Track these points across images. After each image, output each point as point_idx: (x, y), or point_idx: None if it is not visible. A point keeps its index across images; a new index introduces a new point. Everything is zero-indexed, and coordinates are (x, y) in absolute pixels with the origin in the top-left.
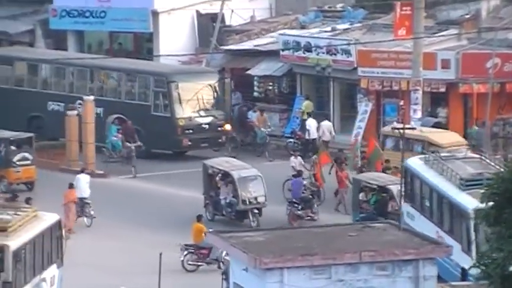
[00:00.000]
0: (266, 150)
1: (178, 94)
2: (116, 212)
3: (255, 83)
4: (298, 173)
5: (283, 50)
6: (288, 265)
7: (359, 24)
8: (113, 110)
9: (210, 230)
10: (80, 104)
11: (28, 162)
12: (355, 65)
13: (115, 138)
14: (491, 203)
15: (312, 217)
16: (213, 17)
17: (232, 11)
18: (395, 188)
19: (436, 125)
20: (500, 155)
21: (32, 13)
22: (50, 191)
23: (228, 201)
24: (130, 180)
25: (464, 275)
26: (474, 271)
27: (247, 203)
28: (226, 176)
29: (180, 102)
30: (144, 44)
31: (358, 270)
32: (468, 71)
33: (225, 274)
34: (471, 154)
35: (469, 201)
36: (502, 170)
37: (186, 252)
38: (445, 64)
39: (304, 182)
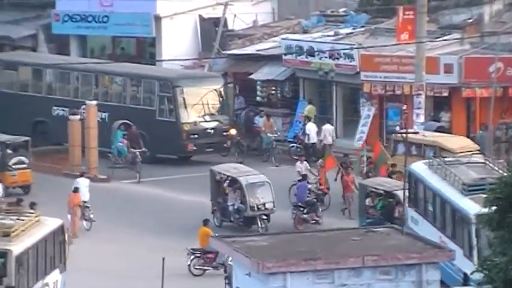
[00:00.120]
0: (272, 155)
1: (184, 99)
2: (119, 216)
3: (258, 87)
4: (303, 177)
5: (285, 55)
6: (291, 270)
7: (362, 29)
8: (118, 114)
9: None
10: (84, 109)
11: (24, 165)
12: (358, 70)
13: (121, 144)
14: (494, 208)
15: (317, 221)
16: (215, 22)
17: (235, 15)
18: (401, 193)
19: (439, 130)
20: (503, 159)
21: (35, 18)
22: (53, 196)
23: (236, 207)
24: (133, 185)
25: (466, 280)
26: (476, 276)
27: (256, 209)
28: (234, 182)
29: (185, 107)
30: (146, 49)
31: (361, 275)
32: (471, 75)
33: (228, 279)
34: (475, 159)
35: (471, 207)
36: (505, 174)
37: (192, 257)
38: (448, 68)
39: (309, 186)
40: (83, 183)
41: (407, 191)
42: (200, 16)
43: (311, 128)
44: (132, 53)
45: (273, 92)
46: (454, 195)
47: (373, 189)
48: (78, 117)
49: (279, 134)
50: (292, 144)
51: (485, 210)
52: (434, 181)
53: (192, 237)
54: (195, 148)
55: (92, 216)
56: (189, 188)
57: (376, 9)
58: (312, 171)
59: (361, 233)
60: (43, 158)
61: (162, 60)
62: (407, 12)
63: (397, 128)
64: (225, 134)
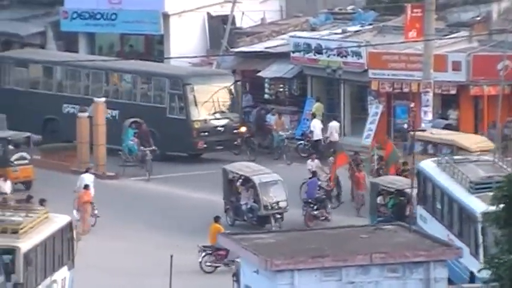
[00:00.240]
0: (284, 153)
1: (194, 96)
2: (128, 214)
3: (266, 85)
4: (313, 174)
5: (293, 52)
6: (298, 267)
7: (370, 26)
8: (128, 112)
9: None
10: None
11: (26, 161)
12: (366, 67)
13: (131, 142)
14: (501, 205)
15: (327, 217)
16: (223, 19)
17: (243, 13)
18: (412, 192)
19: (447, 127)
20: (510, 157)
21: (43, 15)
22: (56, 192)
23: (249, 206)
24: (142, 183)
25: (472, 278)
26: (483, 274)
27: (269, 208)
28: (247, 181)
29: (196, 105)
30: (155, 46)
31: (369, 272)
32: (479, 73)
33: (236, 276)
34: (484, 157)
35: (478, 205)
36: None
37: (204, 254)
38: (456, 66)
39: (319, 183)
40: (88, 179)
41: (416, 189)
42: (208, 14)
43: (316, 124)
44: (141, 50)
45: (281, 89)
46: (461, 193)
47: (385, 188)
48: (86, 114)
49: (290, 132)
50: (300, 142)
51: (492, 208)
52: (443, 179)
53: (201, 234)
54: (205, 146)
55: (96, 212)
56: (199, 186)
57: (384, 6)
58: (324, 169)
59: (369, 231)
60: (51, 155)
61: (170, 58)
62: (415, 10)
63: (405, 126)
64: (235, 131)
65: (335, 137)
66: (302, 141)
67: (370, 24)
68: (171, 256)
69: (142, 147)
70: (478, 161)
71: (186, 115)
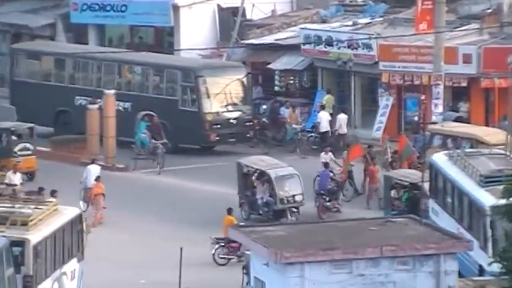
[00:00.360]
0: (298, 147)
1: (206, 89)
2: (138, 206)
3: (276, 77)
4: (325, 166)
5: (304, 44)
6: (308, 259)
7: (380, 19)
8: (141, 104)
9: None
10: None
11: (29, 152)
12: (376, 59)
13: (144, 135)
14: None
15: (338, 208)
16: (234, 11)
17: (253, 5)
18: (427, 185)
19: (458, 120)
20: None
21: (53, 7)
22: (66, 184)
23: (265, 200)
24: (153, 175)
25: (481, 272)
26: (494, 267)
27: (285, 202)
28: (262, 175)
29: (208, 97)
30: (164, 38)
31: (379, 265)
32: (489, 65)
33: (246, 268)
34: (496, 150)
35: (487, 198)
36: None
37: (217, 246)
38: (467, 59)
39: (331, 174)
40: (94, 170)
41: (429, 182)
42: (218, 5)
43: (323, 116)
44: (150, 42)
45: (291, 81)
46: (471, 186)
47: (398, 181)
48: (96, 106)
49: (304, 125)
50: (310, 134)
51: (502, 201)
52: (454, 172)
53: (212, 227)
54: (217, 138)
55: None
56: (210, 178)
57: None
58: (337, 161)
59: (380, 223)
60: (61, 147)
61: (180, 50)
62: (426, 2)
63: (416, 119)
64: (247, 124)
65: (344, 129)
66: (313, 134)
67: (381, 17)
68: (181, 248)
69: (153, 140)
70: (490, 154)
71: (199, 107)
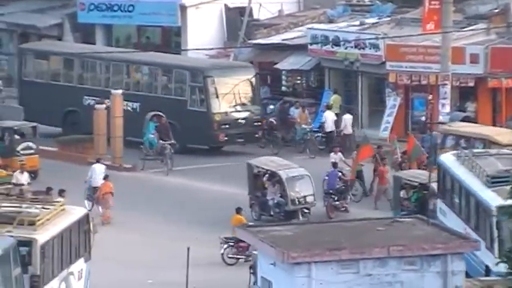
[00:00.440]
0: (307, 147)
1: (215, 89)
2: (146, 206)
3: (283, 77)
4: (334, 165)
5: (311, 44)
6: (315, 259)
7: (387, 19)
8: (149, 105)
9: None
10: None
11: (32, 151)
12: (384, 59)
13: (152, 136)
14: None
15: (346, 208)
16: (241, 11)
17: (261, 5)
18: (434, 186)
19: (465, 120)
20: None
21: (60, 7)
22: (77, 184)
23: (276, 201)
24: (161, 175)
25: (488, 272)
26: (501, 268)
27: (296, 202)
28: (273, 176)
29: (217, 97)
30: (172, 38)
31: (386, 265)
32: (497, 65)
33: (253, 268)
34: (505, 151)
35: (493, 198)
36: None
37: (226, 246)
38: (474, 58)
39: (339, 174)
40: (99, 169)
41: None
42: (226, 5)
43: (328, 116)
44: (157, 42)
45: (298, 81)
46: (478, 186)
47: (408, 182)
48: (103, 106)
49: (313, 126)
50: (317, 134)
51: (509, 202)
52: (461, 173)
53: (220, 227)
54: (226, 138)
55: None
56: (219, 178)
57: None
58: (346, 161)
59: (387, 223)
60: (68, 147)
61: (187, 50)
62: (433, 2)
63: (423, 119)
64: (256, 124)
65: (349, 129)
66: (319, 134)
67: (388, 16)
68: (188, 248)
69: (161, 141)
70: (498, 155)
71: (207, 107)
